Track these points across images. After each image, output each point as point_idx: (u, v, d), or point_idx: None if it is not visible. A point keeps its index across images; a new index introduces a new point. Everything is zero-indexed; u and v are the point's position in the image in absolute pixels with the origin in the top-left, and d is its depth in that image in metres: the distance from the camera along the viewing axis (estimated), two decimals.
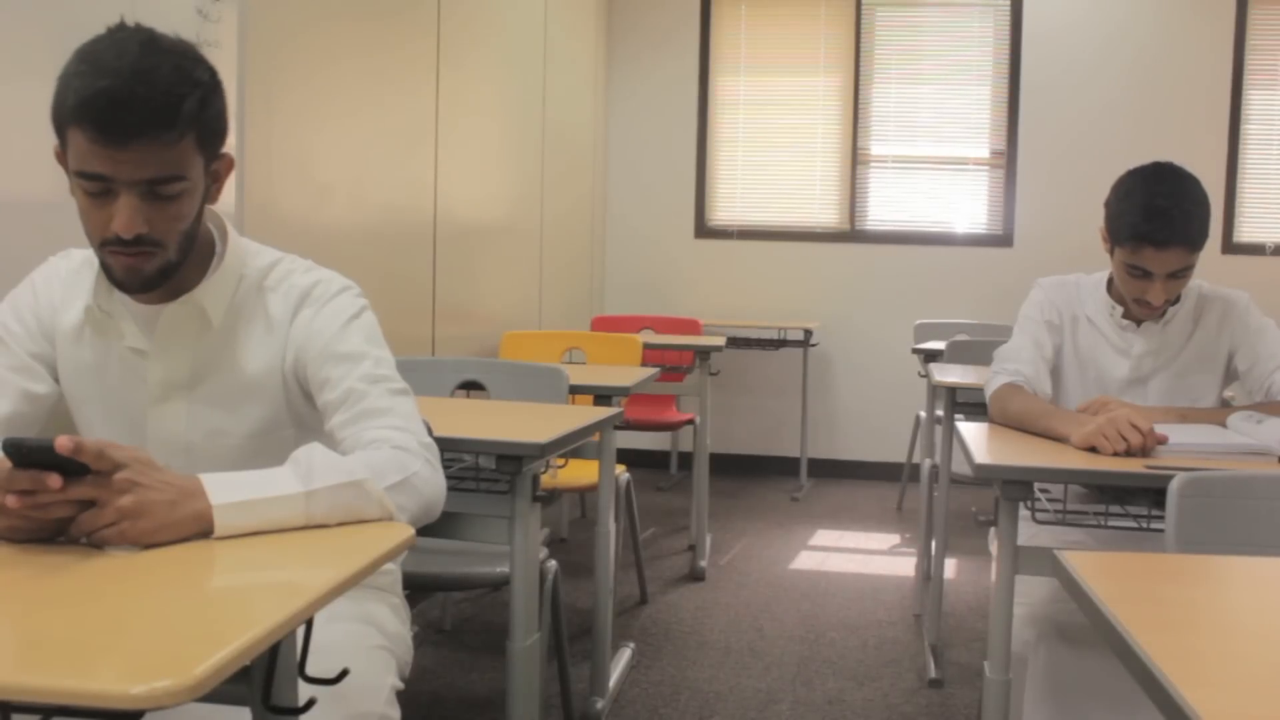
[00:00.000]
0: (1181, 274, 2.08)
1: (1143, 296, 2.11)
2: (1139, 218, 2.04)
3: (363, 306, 1.53)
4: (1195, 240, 2.04)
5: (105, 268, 1.40)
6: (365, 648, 1.51)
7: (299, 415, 1.52)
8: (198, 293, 1.44)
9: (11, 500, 1.12)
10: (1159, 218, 2.02)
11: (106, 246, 1.36)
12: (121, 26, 1.33)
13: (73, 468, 1.13)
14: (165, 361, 1.46)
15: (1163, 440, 1.86)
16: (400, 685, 1.53)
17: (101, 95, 1.28)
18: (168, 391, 1.47)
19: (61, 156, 1.35)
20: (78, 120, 1.29)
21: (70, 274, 1.50)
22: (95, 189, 1.32)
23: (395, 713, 1.47)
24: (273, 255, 1.53)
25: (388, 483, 1.32)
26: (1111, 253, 2.14)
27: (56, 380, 1.50)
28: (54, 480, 1.12)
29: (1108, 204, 2.14)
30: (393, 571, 1.73)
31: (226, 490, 1.21)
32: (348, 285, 1.54)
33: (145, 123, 1.29)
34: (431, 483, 1.40)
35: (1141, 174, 2.10)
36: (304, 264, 1.55)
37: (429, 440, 1.45)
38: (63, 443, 1.10)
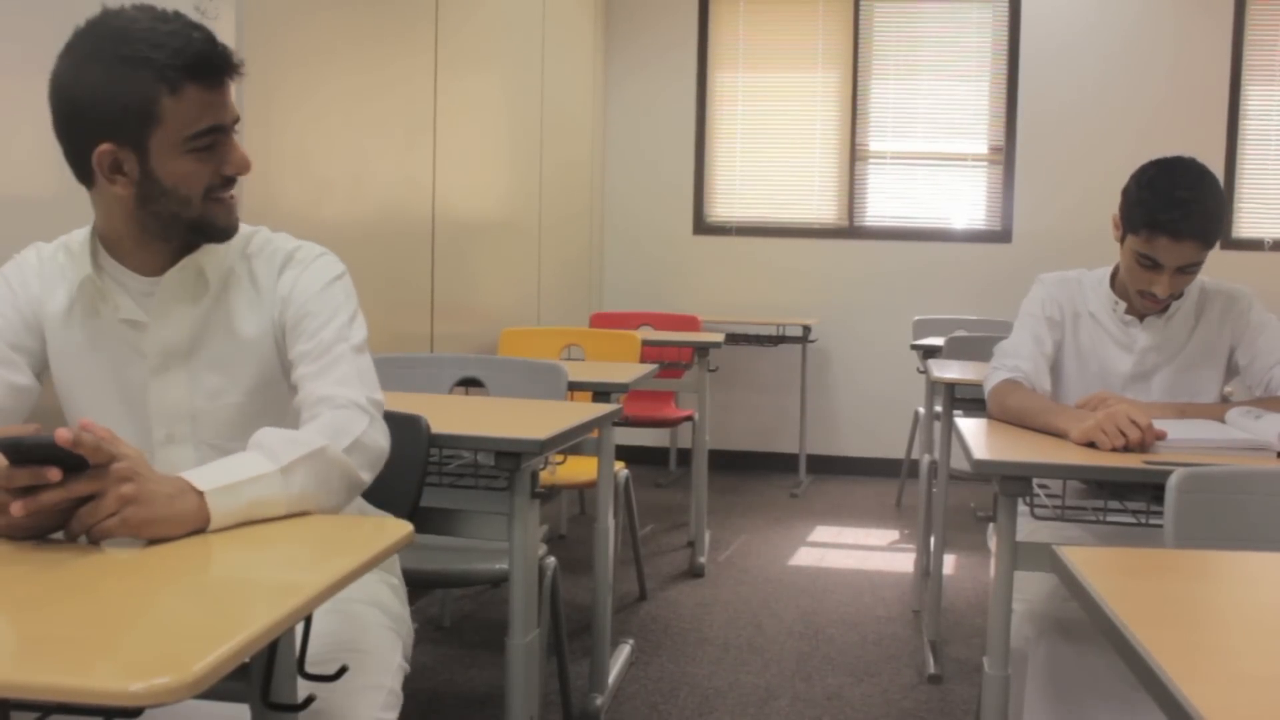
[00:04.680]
0: (1190, 269, 2.08)
1: (1148, 289, 2.11)
2: (1159, 207, 2.03)
3: (343, 270, 1.59)
4: (1210, 237, 2.04)
5: (204, 222, 1.44)
6: (372, 626, 1.55)
7: (290, 368, 1.54)
8: (198, 255, 1.48)
9: (15, 507, 1.12)
10: (1178, 209, 2.02)
11: (212, 194, 1.42)
12: (121, 9, 1.38)
13: (70, 462, 1.13)
14: (163, 331, 1.48)
15: (1161, 436, 1.86)
16: (406, 667, 1.56)
17: (195, 43, 1.35)
18: (167, 361, 1.49)
19: (131, 161, 1.37)
20: (193, 77, 1.35)
21: (44, 263, 1.51)
22: (207, 143, 1.39)
23: (400, 693, 1.48)
24: (249, 227, 1.58)
25: (341, 446, 1.38)
26: (1123, 240, 2.14)
27: (37, 377, 1.50)
28: (53, 472, 1.12)
29: (1126, 191, 2.13)
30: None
31: (209, 478, 1.23)
32: (326, 251, 1.60)
33: (228, 63, 1.39)
34: (378, 437, 1.47)
35: (1165, 164, 2.09)
36: (280, 234, 1.60)
37: (378, 396, 1.51)
38: (63, 434, 1.10)
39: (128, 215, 1.42)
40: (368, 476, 1.43)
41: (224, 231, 1.47)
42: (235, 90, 1.44)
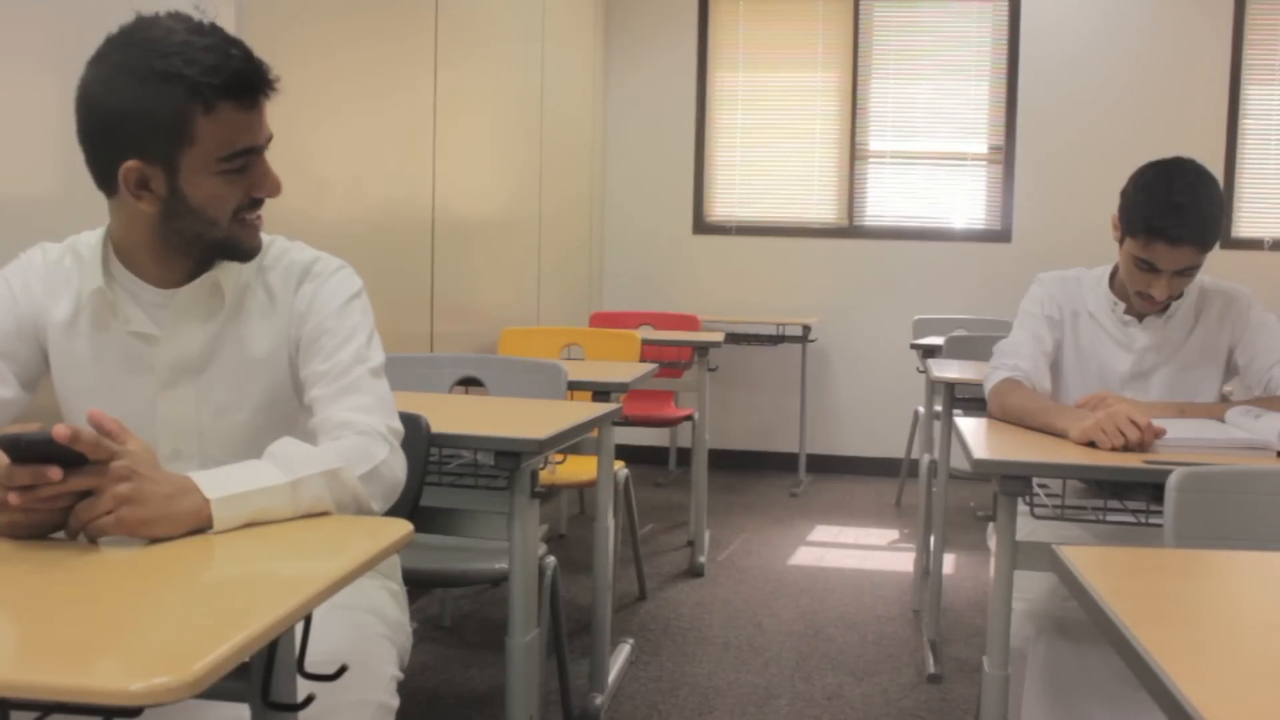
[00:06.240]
0: (1188, 272, 2.08)
1: (1146, 290, 2.11)
2: (1156, 212, 2.02)
3: (360, 286, 1.56)
4: (1208, 241, 2.03)
5: (229, 244, 1.42)
6: (366, 636, 1.52)
7: (301, 386, 1.53)
8: (215, 271, 1.45)
9: (13, 497, 1.12)
10: (1175, 214, 2.00)
11: (240, 215, 1.40)
12: (156, 17, 1.35)
13: (70, 458, 1.13)
14: (175, 346, 1.45)
15: (1160, 433, 1.86)
16: (400, 675, 1.54)
17: (233, 60, 1.32)
18: (177, 375, 1.46)
19: (158, 178, 1.34)
20: (229, 95, 1.32)
21: (50, 267, 1.47)
22: (239, 165, 1.36)
23: (394, 702, 1.47)
24: (265, 237, 1.55)
25: (359, 472, 1.36)
26: (1121, 241, 2.14)
27: (26, 385, 1.47)
28: (54, 472, 1.12)
29: (1124, 193, 2.12)
30: (392, 558, 1.73)
31: (219, 484, 1.21)
32: (344, 264, 1.57)
33: (265, 81, 1.36)
34: (396, 468, 1.44)
35: (1163, 167, 2.08)
36: (295, 244, 1.57)
37: (398, 425, 1.48)
38: (60, 431, 1.09)
39: (149, 229, 1.39)
40: (379, 506, 1.40)
41: (247, 254, 1.45)
42: None
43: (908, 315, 5.13)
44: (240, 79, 1.33)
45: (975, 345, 3.41)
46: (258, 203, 1.42)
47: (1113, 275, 2.26)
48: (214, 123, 1.32)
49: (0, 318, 1.45)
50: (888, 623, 3.44)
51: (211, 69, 1.30)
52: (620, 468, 3.18)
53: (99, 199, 1.42)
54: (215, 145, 1.33)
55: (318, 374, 1.48)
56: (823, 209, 5.71)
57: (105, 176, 1.36)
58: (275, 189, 1.42)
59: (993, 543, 1.91)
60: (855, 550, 4.30)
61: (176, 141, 1.32)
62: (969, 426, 2.05)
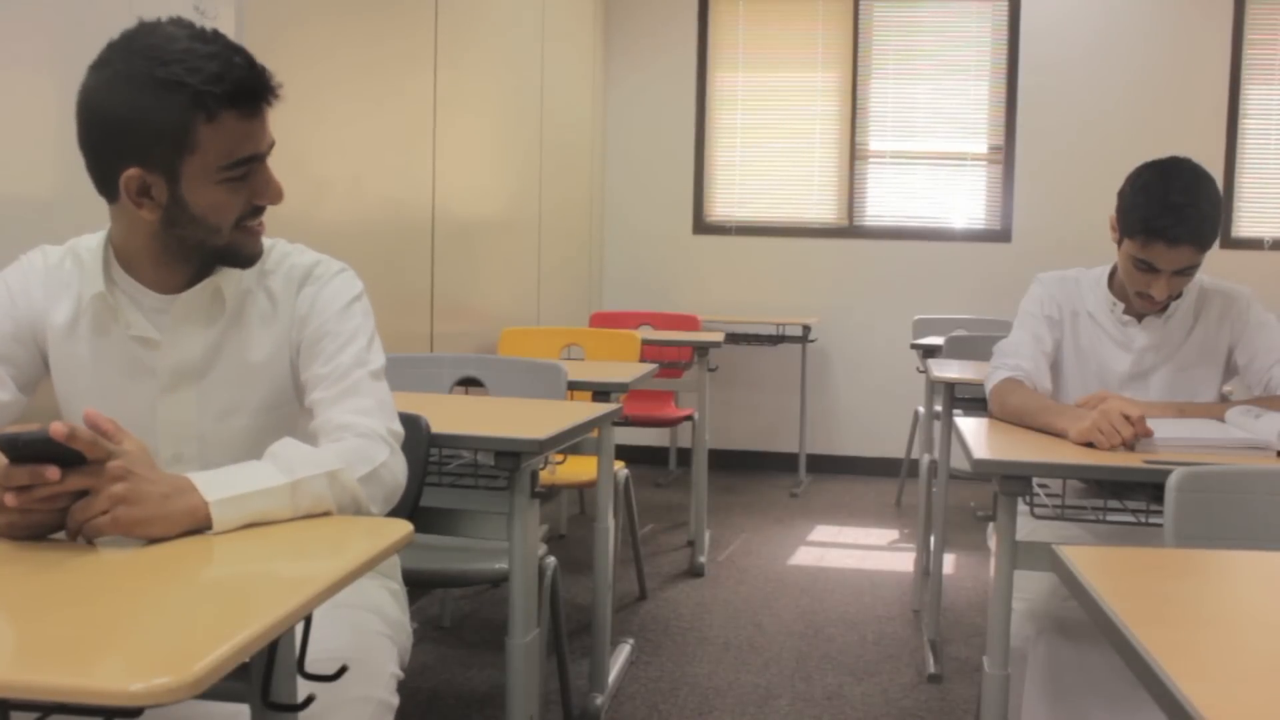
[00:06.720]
0: (1187, 271, 2.08)
1: (1146, 290, 2.11)
2: (1153, 212, 2.02)
3: (362, 289, 1.56)
4: (1206, 240, 2.03)
5: (230, 251, 1.42)
6: (367, 634, 1.52)
7: (302, 389, 1.53)
8: (216, 276, 1.45)
9: (9, 498, 1.12)
10: (1173, 214, 2.00)
11: (242, 223, 1.39)
12: (158, 23, 1.34)
13: (68, 457, 1.13)
14: (176, 351, 1.45)
15: (1148, 433, 1.85)
16: (400, 674, 1.54)
17: (235, 69, 1.31)
18: (178, 380, 1.46)
19: (160, 186, 1.33)
20: (232, 104, 1.31)
21: (50, 270, 1.47)
22: (241, 173, 1.36)
23: (395, 700, 1.48)
24: (265, 240, 1.55)
25: (358, 474, 1.35)
26: (1119, 243, 2.14)
27: (23, 388, 1.47)
28: (52, 472, 1.12)
29: (1122, 194, 2.12)
30: (392, 558, 1.73)
31: (218, 486, 1.21)
32: (346, 267, 1.57)
33: (268, 88, 1.35)
34: (396, 470, 1.44)
35: (1160, 168, 2.08)
36: (296, 247, 1.57)
37: (398, 428, 1.48)
38: (57, 429, 1.09)
39: (150, 236, 1.39)
40: (378, 509, 1.39)
41: (248, 260, 1.45)
42: None
43: (908, 315, 5.13)
44: (243, 87, 1.32)
45: (975, 345, 3.41)
46: (259, 210, 1.42)
47: (1112, 275, 2.26)
48: (216, 131, 1.31)
49: (0, 323, 1.45)
50: (888, 623, 3.44)
51: (214, 77, 1.29)
52: (620, 468, 3.18)
53: (99, 201, 1.41)
54: (217, 154, 1.32)
55: (318, 377, 1.47)
56: (822, 209, 5.71)
57: (106, 183, 1.35)
58: (277, 197, 1.41)
59: (993, 543, 1.91)
60: (855, 550, 4.30)
61: (178, 150, 1.31)
62: (969, 426, 2.05)
